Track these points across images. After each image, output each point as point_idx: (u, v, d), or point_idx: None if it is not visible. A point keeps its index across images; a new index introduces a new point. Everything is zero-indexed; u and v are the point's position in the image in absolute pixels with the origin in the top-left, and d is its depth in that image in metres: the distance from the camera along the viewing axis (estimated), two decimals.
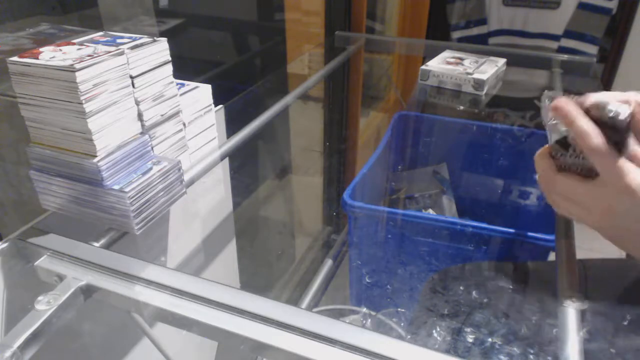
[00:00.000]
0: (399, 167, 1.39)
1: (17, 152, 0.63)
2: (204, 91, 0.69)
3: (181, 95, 0.64)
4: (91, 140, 0.51)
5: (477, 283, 0.76)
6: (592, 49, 1.67)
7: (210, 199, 0.81)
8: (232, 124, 0.83)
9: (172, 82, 0.60)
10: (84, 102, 0.49)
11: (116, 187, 0.53)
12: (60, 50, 0.52)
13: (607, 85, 1.83)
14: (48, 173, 0.55)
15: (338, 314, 1.13)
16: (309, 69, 1.35)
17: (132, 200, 0.53)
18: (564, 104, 0.43)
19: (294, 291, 1.49)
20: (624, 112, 0.40)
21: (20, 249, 0.55)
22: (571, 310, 0.46)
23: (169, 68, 0.60)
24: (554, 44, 1.71)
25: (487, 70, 1.08)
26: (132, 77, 0.54)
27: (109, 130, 0.53)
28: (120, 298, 0.50)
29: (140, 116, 0.57)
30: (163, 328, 0.52)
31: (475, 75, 1.04)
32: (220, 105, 0.83)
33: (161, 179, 0.57)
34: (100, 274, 0.51)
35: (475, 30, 1.82)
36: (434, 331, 0.70)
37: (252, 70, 1.23)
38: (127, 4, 0.79)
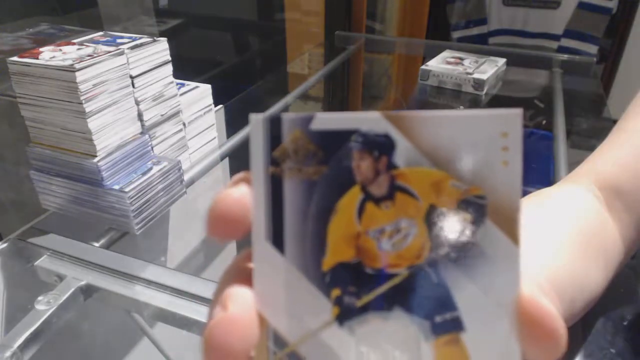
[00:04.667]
0: None
1: (17, 152, 0.63)
2: (204, 91, 0.69)
3: (181, 95, 0.64)
4: (91, 140, 0.51)
5: None
6: (592, 49, 1.67)
7: (210, 199, 0.81)
8: (232, 124, 0.83)
9: (172, 82, 0.60)
10: (83, 102, 0.49)
11: (116, 187, 0.53)
12: (60, 50, 0.52)
13: (607, 85, 1.83)
14: (48, 173, 0.55)
15: None
16: (309, 69, 1.35)
17: (132, 200, 0.53)
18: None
19: None
20: None
21: (20, 248, 0.55)
22: None
23: (169, 68, 0.60)
24: (554, 44, 1.71)
25: (487, 70, 1.07)
26: (132, 77, 0.54)
27: (109, 130, 0.53)
28: (120, 298, 0.50)
29: (140, 116, 0.57)
30: (163, 328, 0.52)
31: (475, 75, 1.04)
32: (220, 105, 0.83)
33: (161, 179, 0.57)
34: (100, 274, 0.51)
35: (475, 30, 1.82)
36: None
37: (252, 70, 1.23)
38: (127, 4, 0.79)
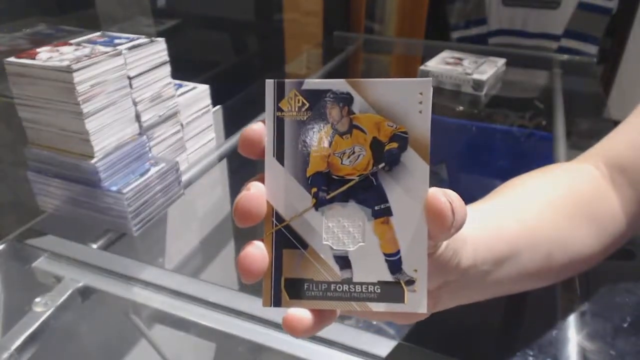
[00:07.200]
0: None
1: (14, 153, 0.63)
2: (202, 91, 0.69)
3: (179, 95, 0.64)
4: (88, 141, 0.51)
5: None
6: (592, 49, 1.67)
7: (208, 200, 0.81)
8: (231, 125, 0.83)
9: (170, 83, 0.60)
10: (81, 102, 0.49)
11: (114, 188, 0.53)
12: (58, 50, 0.51)
13: (607, 86, 1.82)
14: (46, 174, 0.55)
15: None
16: (307, 69, 1.35)
17: (129, 201, 0.53)
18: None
19: None
20: None
21: (18, 250, 0.55)
22: (571, 311, 0.46)
23: (167, 68, 0.59)
24: (554, 44, 1.71)
25: (487, 70, 1.07)
26: (129, 78, 0.54)
27: (107, 131, 0.52)
28: (118, 299, 0.49)
29: (138, 117, 0.56)
30: (161, 330, 0.52)
31: (475, 76, 1.04)
32: (219, 106, 0.82)
33: (159, 180, 0.57)
34: (98, 276, 0.51)
35: (474, 30, 1.81)
36: (430, 332, 0.70)
37: (250, 71, 1.23)
38: (124, 5, 0.79)
